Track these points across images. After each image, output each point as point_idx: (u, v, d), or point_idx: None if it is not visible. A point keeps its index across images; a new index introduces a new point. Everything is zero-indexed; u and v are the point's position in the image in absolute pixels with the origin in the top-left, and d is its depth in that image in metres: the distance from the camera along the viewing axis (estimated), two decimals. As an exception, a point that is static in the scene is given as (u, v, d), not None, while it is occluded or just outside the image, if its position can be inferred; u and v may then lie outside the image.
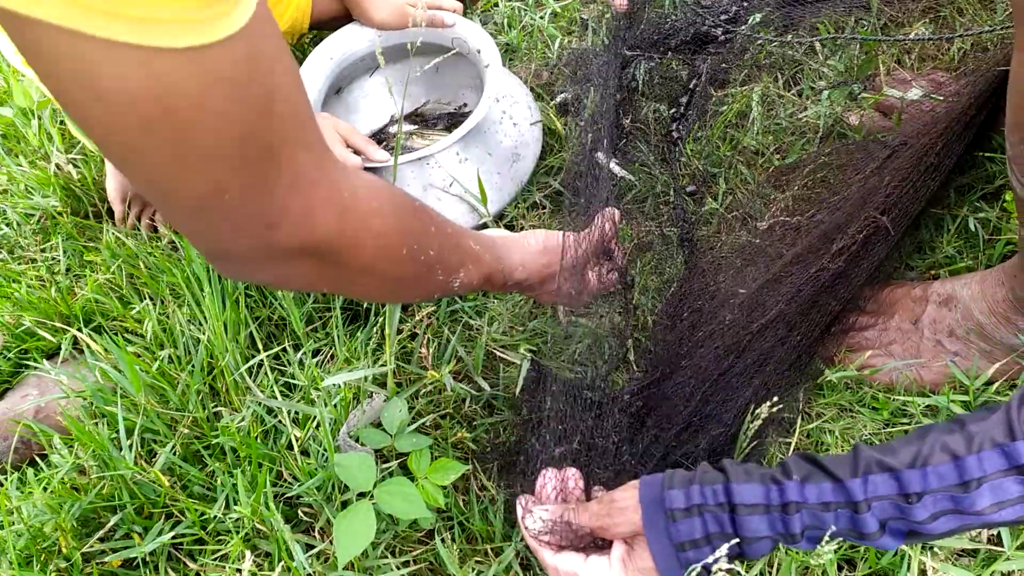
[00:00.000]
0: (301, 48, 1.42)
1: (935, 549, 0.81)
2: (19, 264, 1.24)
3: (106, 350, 1.02)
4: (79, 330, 1.10)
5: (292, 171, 0.51)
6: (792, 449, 0.93)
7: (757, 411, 0.68)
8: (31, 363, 1.10)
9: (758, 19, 1.30)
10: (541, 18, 1.47)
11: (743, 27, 1.30)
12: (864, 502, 0.61)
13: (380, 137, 1.33)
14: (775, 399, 0.70)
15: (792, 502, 0.63)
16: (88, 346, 1.05)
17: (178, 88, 0.43)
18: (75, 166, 1.36)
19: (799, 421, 0.95)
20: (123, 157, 0.47)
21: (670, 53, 1.34)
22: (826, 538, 0.62)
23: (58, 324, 1.12)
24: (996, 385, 0.94)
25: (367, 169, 1.08)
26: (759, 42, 1.30)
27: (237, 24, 0.44)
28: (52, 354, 1.12)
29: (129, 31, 0.39)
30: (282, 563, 0.84)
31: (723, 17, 1.33)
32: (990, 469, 0.59)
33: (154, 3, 0.39)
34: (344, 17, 1.31)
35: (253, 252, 0.54)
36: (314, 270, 0.59)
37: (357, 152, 1.07)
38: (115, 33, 0.39)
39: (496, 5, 1.50)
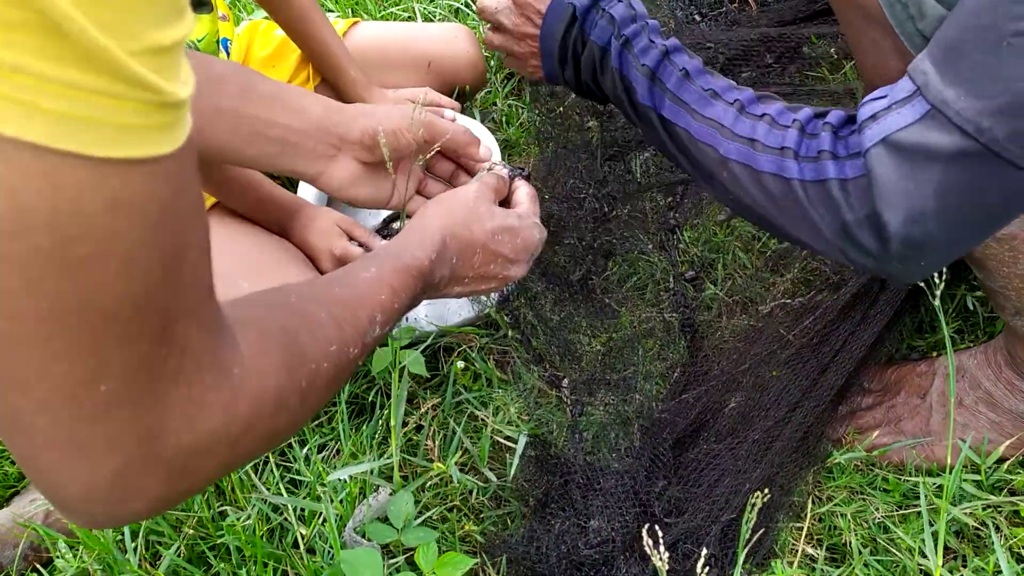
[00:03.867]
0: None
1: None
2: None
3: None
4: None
5: (180, 357, 0.40)
6: (804, 534, 0.92)
7: (753, 500, 0.68)
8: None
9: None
10: (537, 114, 1.52)
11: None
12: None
13: (385, 232, 1.36)
14: (766, 491, 0.70)
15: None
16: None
17: (82, 213, 0.32)
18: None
19: (810, 504, 0.94)
20: None
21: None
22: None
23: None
24: (1008, 463, 0.94)
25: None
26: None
27: (174, 143, 0.35)
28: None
29: (36, 127, 0.30)
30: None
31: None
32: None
33: (75, 95, 0.31)
34: None
35: (126, 473, 0.39)
36: (206, 473, 0.44)
37: (361, 244, 1.10)
38: (21, 129, 0.30)
39: (495, 104, 1.56)
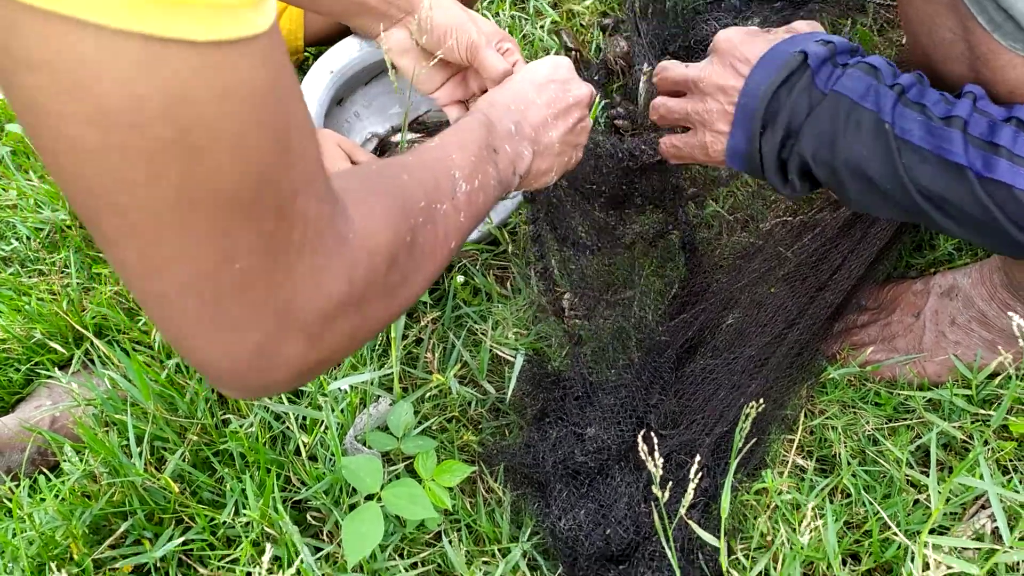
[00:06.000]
0: (301, 67, 1.44)
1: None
2: (29, 277, 1.26)
3: (115, 362, 1.03)
4: (91, 344, 1.11)
5: (303, 229, 0.41)
6: (795, 446, 0.94)
7: (747, 411, 0.69)
8: (43, 374, 1.11)
9: (757, 23, 1.31)
10: (541, 27, 1.48)
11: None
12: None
13: (384, 146, 1.34)
14: (760, 401, 0.71)
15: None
16: (99, 356, 1.07)
17: (194, 100, 0.33)
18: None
19: (802, 418, 0.96)
20: (109, 205, 0.35)
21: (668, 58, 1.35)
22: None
23: (69, 336, 1.14)
24: (999, 379, 0.95)
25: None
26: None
27: (266, 21, 0.35)
28: (63, 365, 1.13)
29: (147, 17, 0.30)
30: (294, 565, 0.85)
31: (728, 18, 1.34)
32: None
33: None
34: (341, 33, 1.32)
35: (268, 344, 0.42)
36: (340, 339, 0.47)
37: None
38: (128, 20, 0.30)
39: (498, 15, 1.52)
